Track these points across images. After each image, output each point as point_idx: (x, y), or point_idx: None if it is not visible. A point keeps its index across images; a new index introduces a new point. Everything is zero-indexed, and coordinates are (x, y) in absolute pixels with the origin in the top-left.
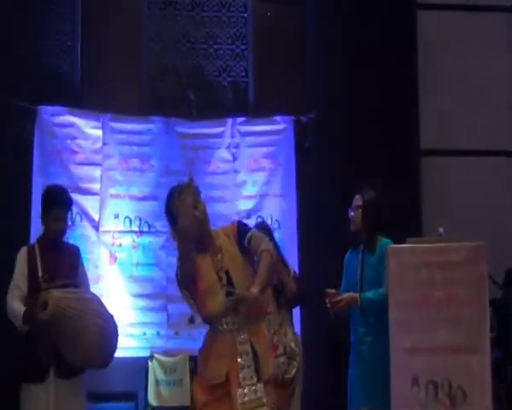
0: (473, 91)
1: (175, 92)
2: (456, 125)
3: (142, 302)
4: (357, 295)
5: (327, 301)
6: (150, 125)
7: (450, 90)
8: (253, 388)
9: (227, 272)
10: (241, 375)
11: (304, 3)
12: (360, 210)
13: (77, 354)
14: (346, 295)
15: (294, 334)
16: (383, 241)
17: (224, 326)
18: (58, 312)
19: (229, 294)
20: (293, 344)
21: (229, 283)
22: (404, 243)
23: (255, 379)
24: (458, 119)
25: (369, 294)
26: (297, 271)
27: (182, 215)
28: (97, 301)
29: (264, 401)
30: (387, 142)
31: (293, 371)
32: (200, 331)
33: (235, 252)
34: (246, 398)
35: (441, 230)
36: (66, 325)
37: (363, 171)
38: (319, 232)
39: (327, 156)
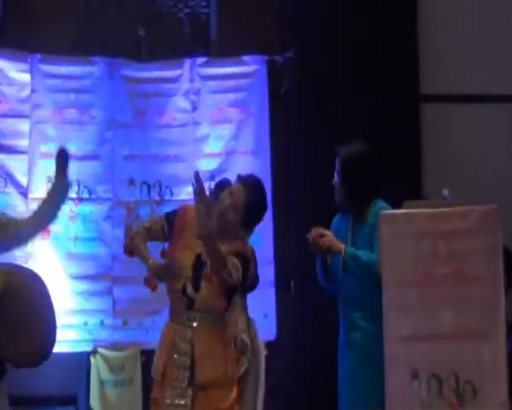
0: (481, 28)
1: (120, 27)
2: (462, 67)
3: (82, 285)
4: (343, 245)
5: (309, 235)
6: (90, 68)
7: (456, 27)
8: (181, 392)
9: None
10: (175, 373)
11: None
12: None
13: (21, 347)
14: (332, 238)
15: (248, 321)
16: (378, 205)
17: (176, 318)
18: (9, 289)
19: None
20: (244, 336)
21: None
22: (401, 207)
23: (185, 383)
24: (464, 59)
25: (358, 252)
26: (272, 243)
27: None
28: (44, 281)
29: None
30: (381, 86)
31: (243, 369)
32: (153, 320)
33: None
34: (173, 400)
35: (446, 191)
36: (18, 308)
37: (351, 121)
38: (298, 197)
39: (308, 104)
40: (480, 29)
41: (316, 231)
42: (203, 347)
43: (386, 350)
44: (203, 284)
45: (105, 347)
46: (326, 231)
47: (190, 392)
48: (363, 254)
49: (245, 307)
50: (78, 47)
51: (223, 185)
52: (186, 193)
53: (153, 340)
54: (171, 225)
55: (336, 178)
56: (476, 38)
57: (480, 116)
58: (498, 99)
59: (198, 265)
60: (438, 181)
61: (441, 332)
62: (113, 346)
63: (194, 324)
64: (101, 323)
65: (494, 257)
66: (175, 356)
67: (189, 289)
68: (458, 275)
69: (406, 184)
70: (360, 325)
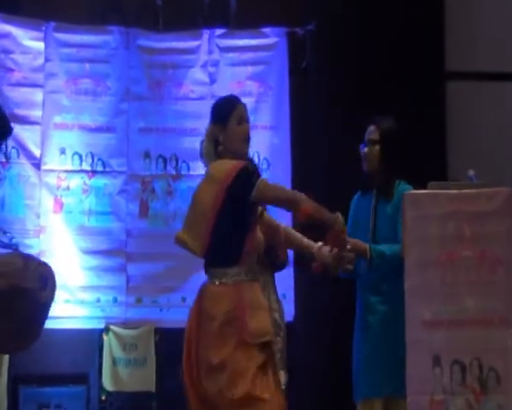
0: (509, 4)
1: None
2: (488, 44)
3: (95, 261)
4: (367, 245)
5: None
6: (106, 37)
7: (482, 3)
8: (279, 346)
9: None
10: (273, 330)
11: None
12: (377, 146)
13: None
14: (354, 240)
15: (278, 301)
16: (402, 186)
17: (254, 275)
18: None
19: None
20: (277, 315)
21: None
22: (425, 188)
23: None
24: (491, 36)
25: (382, 247)
26: (290, 221)
27: None
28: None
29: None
30: (405, 62)
31: (277, 349)
32: (168, 298)
33: None
34: (279, 355)
35: (471, 172)
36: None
37: (373, 98)
38: (318, 173)
39: (329, 78)
40: (507, 5)
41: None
42: None
43: (408, 335)
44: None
45: (118, 324)
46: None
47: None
48: (388, 249)
49: (275, 287)
50: (93, 16)
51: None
52: (203, 168)
53: (167, 318)
54: None
55: (365, 149)
56: (504, 15)
57: (508, 94)
58: None
59: None
60: (463, 160)
61: (464, 317)
62: (126, 324)
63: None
64: (115, 300)
65: None
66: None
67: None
68: (483, 258)
69: (431, 164)
70: (378, 308)
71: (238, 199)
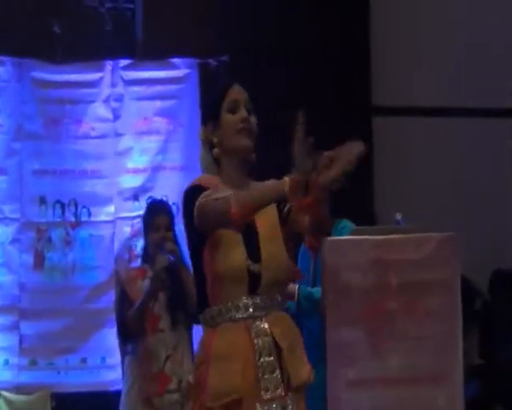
0: (434, 41)
1: (32, 23)
2: (414, 79)
3: None
4: (296, 286)
5: None
6: None
7: (408, 39)
8: (281, 403)
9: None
10: (262, 384)
11: None
12: None
13: None
14: None
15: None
16: (341, 224)
17: (235, 314)
18: None
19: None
20: (190, 378)
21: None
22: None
23: (282, 390)
24: (417, 71)
25: (312, 289)
26: None
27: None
28: None
29: None
30: (328, 96)
31: None
32: (66, 359)
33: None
34: None
35: (399, 215)
36: None
37: (294, 134)
38: None
39: None
40: (432, 42)
41: None
42: (286, 338)
43: (330, 396)
44: (264, 247)
45: (9, 389)
46: None
47: (289, 400)
48: (316, 292)
49: (191, 344)
50: None
51: (157, 209)
52: (106, 214)
53: (65, 382)
54: None
55: None
56: (431, 50)
57: (434, 130)
58: (451, 112)
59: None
60: (390, 200)
61: (391, 376)
62: (19, 389)
63: (263, 312)
64: (6, 362)
65: (451, 291)
66: (261, 360)
67: (251, 264)
68: (411, 311)
69: (356, 205)
70: (319, 367)
71: (186, 230)
